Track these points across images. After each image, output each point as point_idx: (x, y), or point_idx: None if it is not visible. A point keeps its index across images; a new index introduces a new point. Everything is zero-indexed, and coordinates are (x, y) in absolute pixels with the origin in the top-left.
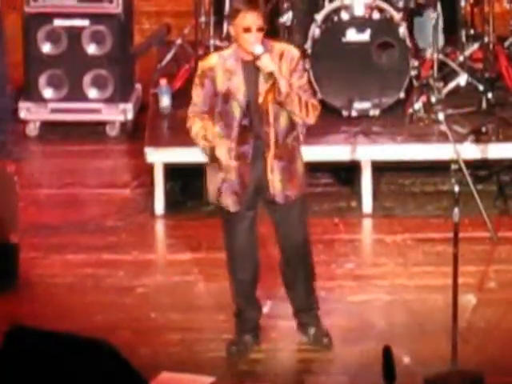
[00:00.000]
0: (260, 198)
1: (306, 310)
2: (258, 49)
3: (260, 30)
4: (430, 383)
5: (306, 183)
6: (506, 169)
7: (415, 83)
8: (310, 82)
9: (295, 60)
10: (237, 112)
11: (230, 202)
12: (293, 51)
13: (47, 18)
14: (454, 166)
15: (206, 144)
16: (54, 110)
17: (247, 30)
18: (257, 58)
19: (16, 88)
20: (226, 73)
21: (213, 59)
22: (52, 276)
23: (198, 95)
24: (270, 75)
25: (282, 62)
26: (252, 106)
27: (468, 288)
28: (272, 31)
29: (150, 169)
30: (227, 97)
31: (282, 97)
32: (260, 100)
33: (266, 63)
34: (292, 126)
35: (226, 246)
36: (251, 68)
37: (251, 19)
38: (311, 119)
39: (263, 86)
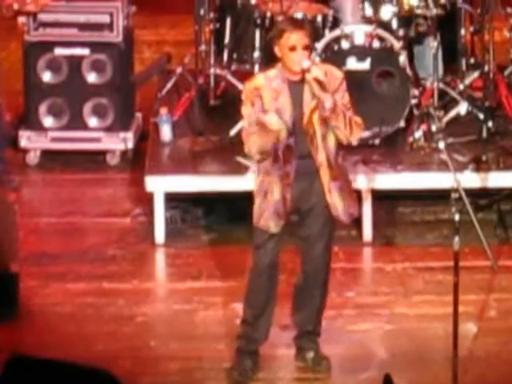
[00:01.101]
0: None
1: (310, 333)
2: (306, 63)
3: (306, 48)
4: None
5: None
6: (506, 197)
7: (415, 112)
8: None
9: (339, 80)
10: (283, 131)
11: (271, 224)
12: (336, 72)
13: (48, 46)
14: (454, 195)
15: (262, 135)
16: (54, 139)
17: (293, 48)
18: (306, 70)
19: (16, 116)
20: (273, 93)
21: (259, 80)
22: (52, 305)
23: (249, 114)
24: (321, 85)
25: (326, 81)
26: (297, 126)
27: (468, 317)
28: (272, 60)
29: (150, 197)
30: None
31: (327, 112)
32: (305, 120)
33: (317, 73)
34: (339, 145)
35: (253, 264)
36: (297, 88)
37: (296, 38)
38: (354, 138)
39: (308, 106)
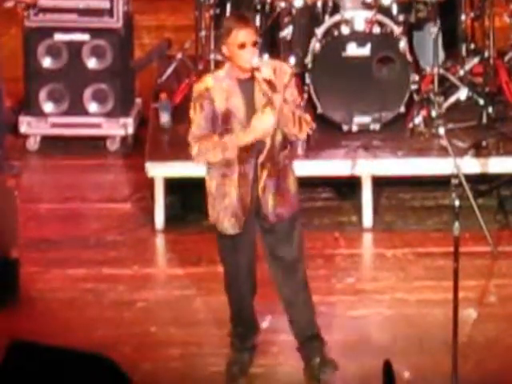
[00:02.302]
0: (255, 225)
1: (310, 338)
2: (256, 60)
3: (254, 44)
4: None
5: (299, 201)
6: (506, 183)
7: (415, 98)
8: (302, 97)
9: (287, 75)
10: (238, 130)
11: (228, 225)
12: (285, 67)
13: (48, 32)
14: (454, 181)
15: (225, 149)
16: (54, 125)
17: (242, 46)
18: (256, 69)
19: (16, 102)
20: (224, 93)
21: (208, 81)
22: (52, 291)
23: (198, 119)
24: (270, 84)
25: (275, 78)
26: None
27: (468, 302)
28: (272, 45)
29: (150, 183)
30: (227, 117)
31: (277, 112)
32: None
33: (266, 72)
34: (284, 143)
35: (224, 268)
36: (248, 86)
37: (245, 35)
38: (303, 135)
39: (260, 104)
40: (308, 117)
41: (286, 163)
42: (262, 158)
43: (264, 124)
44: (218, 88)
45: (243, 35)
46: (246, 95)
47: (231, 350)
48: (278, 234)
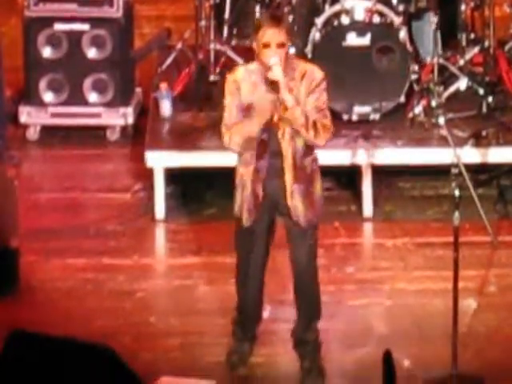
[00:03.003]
0: (275, 217)
1: (303, 342)
2: (273, 60)
3: (280, 46)
4: None
5: (323, 207)
6: (506, 173)
7: (415, 87)
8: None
9: (316, 81)
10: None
11: (244, 216)
12: (316, 72)
13: (48, 22)
14: (454, 170)
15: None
16: (54, 114)
17: (266, 45)
18: (269, 68)
19: (16, 92)
20: (251, 86)
21: (239, 72)
22: (52, 280)
23: (230, 107)
24: (275, 86)
25: (303, 82)
26: (272, 120)
27: (468, 292)
28: None
29: (150, 173)
30: (249, 110)
31: (286, 113)
32: (275, 118)
33: (276, 73)
34: (309, 147)
35: (238, 257)
36: (275, 85)
37: (271, 35)
38: (321, 141)
39: (281, 104)
40: (328, 122)
41: (314, 168)
42: (285, 162)
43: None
44: (246, 80)
45: (269, 35)
46: (270, 93)
47: (232, 339)
48: (300, 238)
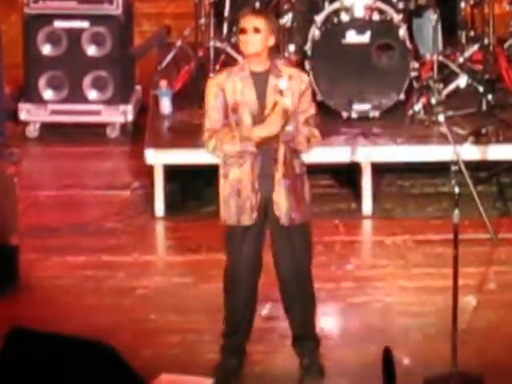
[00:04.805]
0: (266, 219)
1: (303, 337)
2: (283, 83)
3: (256, 30)
4: None
5: (311, 211)
6: (505, 170)
7: (415, 85)
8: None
9: (305, 83)
10: (247, 121)
11: (245, 217)
12: (303, 75)
13: (47, 19)
14: (454, 168)
15: (234, 143)
16: (53, 112)
17: (243, 31)
18: (280, 92)
19: (16, 89)
20: (236, 85)
21: (221, 76)
22: (52, 278)
23: (212, 110)
24: (284, 112)
25: (292, 83)
26: (260, 118)
27: (468, 290)
28: None
29: (149, 170)
30: (236, 109)
31: (284, 115)
32: (266, 112)
33: (288, 102)
34: (297, 150)
35: (227, 263)
36: (261, 79)
37: (247, 20)
38: (308, 149)
39: (271, 98)
40: (317, 132)
41: (303, 171)
42: (275, 157)
43: (273, 126)
44: (230, 80)
45: (245, 21)
46: (259, 88)
47: (220, 353)
48: (286, 237)
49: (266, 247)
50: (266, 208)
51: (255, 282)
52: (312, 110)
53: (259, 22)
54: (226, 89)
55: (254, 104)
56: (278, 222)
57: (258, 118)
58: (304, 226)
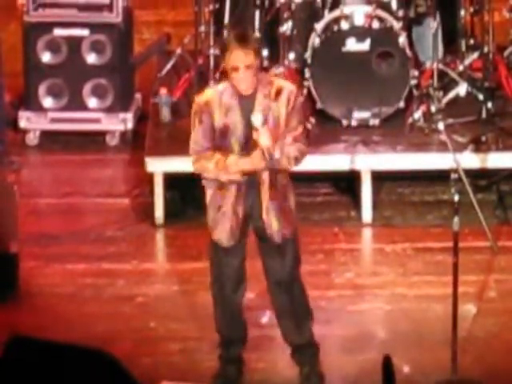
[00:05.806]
0: (248, 232)
1: (300, 346)
2: (257, 119)
3: (248, 67)
4: None
5: (297, 218)
6: (505, 178)
7: (415, 93)
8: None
9: (292, 100)
10: (236, 146)
11: (223, 238)
12: (290, 90)
13: (47, 27)
14: (453, 176)
15: (219, 172)
16: (53, 120)
17: (235, 69)
18: (255, 129)
19: (16, 97)
20: (223, 108)
21: (208, 94)
22: (52, 286)
23: (198, 132)
24: (264, 151)
25: (280, 100)
26: (249, 141)
27: (468, 298)
28: (272, 41)
29: (149, 178)
30: (225, 132)
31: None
32: (254, 136)
33: (263, 140)
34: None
35: (212, 275)
36: (248, 103)
37: (238, 58)
38: (293, 167)
39: (257, 121)
40: (305, 148)
41: (284, 183)
42: (262, 179)
43: (257, 161)
44: (217, 102)
45: (236, 58)
46: (245, 112)
47: (218, 362)
48: (277, 251)
49: (258, 256)
50: (246, 226)
51: (241, 294)
52: (300, 128)
53: (249, 58)
54: (215, 111)
55: (241, 128)
56: (270, 239)
57: (246, 141)
58: (292, 238)
